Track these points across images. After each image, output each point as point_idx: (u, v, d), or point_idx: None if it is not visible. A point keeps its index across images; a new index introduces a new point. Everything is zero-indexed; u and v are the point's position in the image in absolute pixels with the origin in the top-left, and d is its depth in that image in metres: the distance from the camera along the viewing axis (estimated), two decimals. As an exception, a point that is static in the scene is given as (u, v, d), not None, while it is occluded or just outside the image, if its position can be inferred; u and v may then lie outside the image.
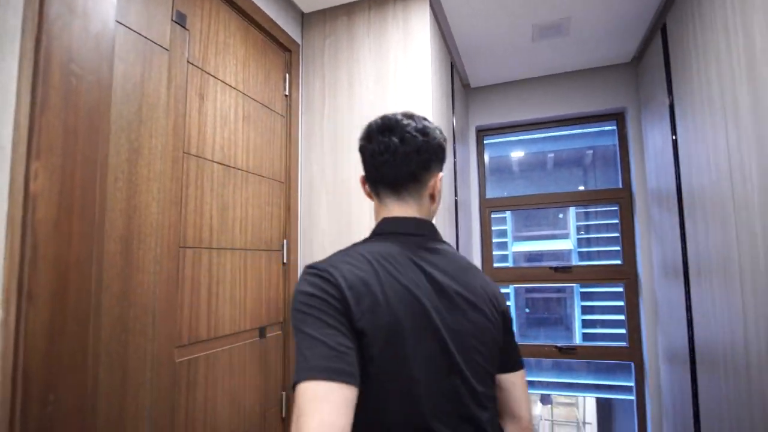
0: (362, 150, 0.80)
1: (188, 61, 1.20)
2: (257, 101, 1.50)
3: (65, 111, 0.71)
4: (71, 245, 0.70)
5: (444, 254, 0.76)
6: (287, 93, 1.69)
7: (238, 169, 1.38)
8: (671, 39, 1.79)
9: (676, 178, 1.85)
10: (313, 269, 0.67)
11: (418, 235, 0.76)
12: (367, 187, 0.83)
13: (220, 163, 1.30)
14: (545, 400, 7.32)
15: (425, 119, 0.79)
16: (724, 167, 1.40)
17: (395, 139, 0.74)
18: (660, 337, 2.21)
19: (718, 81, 1.40)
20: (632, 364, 2.37)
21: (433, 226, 0.80)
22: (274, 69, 1.62)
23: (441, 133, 0.80)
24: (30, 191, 0.65)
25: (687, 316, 1.82)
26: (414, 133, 0.74)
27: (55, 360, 0.67)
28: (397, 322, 0.64)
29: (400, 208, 0.77)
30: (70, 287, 0.69)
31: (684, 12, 1.64)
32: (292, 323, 0.64)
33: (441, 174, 0.80)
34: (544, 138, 3.17)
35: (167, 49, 1.12)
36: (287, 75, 1.69)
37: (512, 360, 0.80)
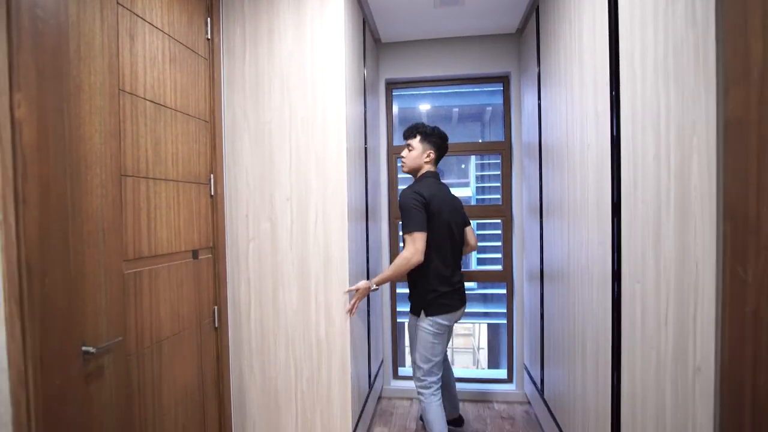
0: (440, 145, 2.07)
1: (117, 2, 1.28)
2: (182, 44, 1.60)
3: (35, 50, 0.83)
4: (49, 162, 0.86)
5: (444, 185, 2.07)
6: (209, 37, 1.78)
7: (168, 107, 1.51)
8: (542, 18, 2.20)
9: (539, 134, 2.33)
10: (415, 191, 1.90)
11: (437, 177, 2.04)
12: (431, 158, 2.05)
13: (152, 101, 1.42)
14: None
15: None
16: (563, 128, 1.86)
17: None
18: (525, 262, 2.81)
19: (564, 60, 1.82)
20: (506, 284, 2.98)
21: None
22: (196, 13, 1.70)
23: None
24: (15, 118, 0.79)
25: (540, 244, 2.39)
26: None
27: (46, 251, 0.85)
28: (440, 210, 1.92)
29: (434, 168, 2.06)
30: (51, 195, 0.86)
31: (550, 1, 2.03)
32: (406, 207, 1.88)
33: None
34: (450, 93, 3.56)
35: (99, -11, 1.19)
36: (209, 19, 1.78)
37: (466, 223, 2.11)
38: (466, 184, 5.33)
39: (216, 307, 1.80)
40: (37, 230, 0.83)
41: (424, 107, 3.82)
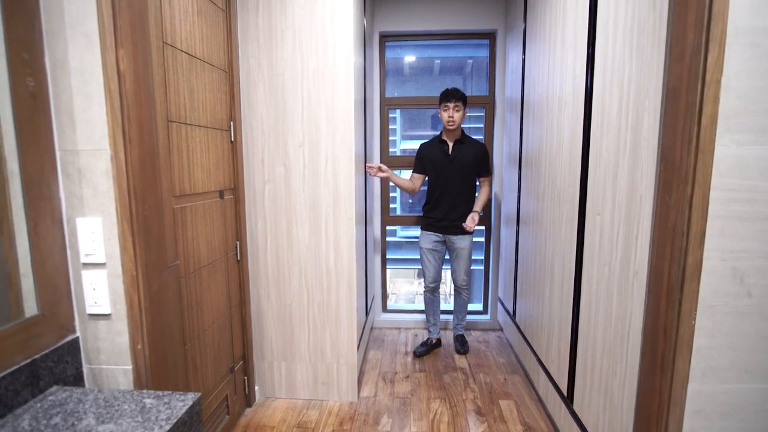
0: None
1: (157, -42, 1.39)
2: (205, -4, 1.72)
3: (129, 11, 0.99)
4: (142, 107, 1.04)
5: None
6: (225, -11, 1.89)
7: (197, 58, 1.66)
8: (530, -21, 2.37)
9: (522, 89, 2.57)
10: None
11: None
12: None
13: (186, 53, 1.57)
14: (420, 274, 8.80)
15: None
16: (545, 84, 2.11)
17: None
18: (502, 208, 3.14)
19: (550, 20, 2.03)
20: (484, 228, 3.32)
21: None
22: (214, -35, 1.80)
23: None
24: (120, 70, 0.96)
25: (517, 192, 2.70)
26: None
27: (144, 181, 1.05)
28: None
29: None
30: (144, 134, 1.05)
31: (539, -39, 2.20)
32: (488, 157, 2.69)
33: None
34: (432, 46, 3.70)
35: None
36: (224, -29, 1.88)
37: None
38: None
39: (238, 242, 2.04)
40: (138, 163, 1.03)
41: (409, 59, 3.95)
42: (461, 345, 2.89)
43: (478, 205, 2.69)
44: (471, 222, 2.62)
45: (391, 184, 3.13)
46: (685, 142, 0.92)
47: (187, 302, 1.60)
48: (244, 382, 2.13)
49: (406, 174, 2.98)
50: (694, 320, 0.96)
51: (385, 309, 3.39)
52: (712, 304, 0.95)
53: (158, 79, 1.38)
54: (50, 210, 0.99)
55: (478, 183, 2.77)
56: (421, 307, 3.38)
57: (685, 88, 0.92)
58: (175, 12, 1.49)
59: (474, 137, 2.77)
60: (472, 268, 2.86)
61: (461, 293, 2.85)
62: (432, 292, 2.88)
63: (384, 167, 2.57)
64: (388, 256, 3.39)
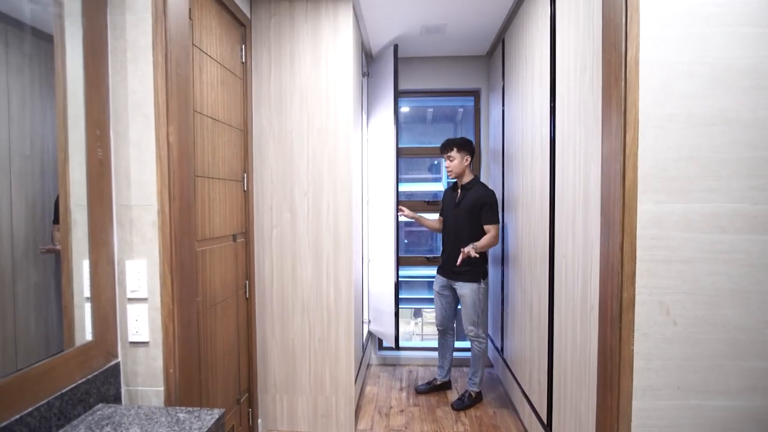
0: (471, 150, 2.67)
1: (193, 44, 1.69)
2: (227, 69, 2.02)
3: (178, 94, 1.26)
4: (183, 169, 1.29)
5: None
6: (243, 60, 2.20)
7: (219, 121, 1.93)
8: (506, 46, 2.73)
9: (502, 141, 2.88)
10: (494, 194, 2.65)
11: None
12: (469, 161, 2.67)
13: (210, 117, 1.85)
14: (417, 314, 8.88)
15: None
16: (519, 135, 2.40)
17: None
18: (490, 250, 3.37)
19: (522, 80, 2.36)
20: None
21: None
22: (235, 42, 2.12)
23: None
24: (169, 142, 1.22)
25: (502, 234, 2.94)
26: None
27: (183, 229, 1.28)
28: None
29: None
30: (183, 191, 1.29)
31: (513, 34, 2.56)
32: (495, 204, 2.62)
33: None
34: (426, 96, 4.05)
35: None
36: (243, 46, 2.20)
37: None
38: (438, 180, 5.91)
39: (247, 281, 2.25)
40: (178, 214, 1.27)
41: (404, 109, 4.32)
42: (459, 400, 2.73)
43: (479, 243, 2.53)
44: (461, 254, 2.50)
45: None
46: (615, 200, 1.17)
47: (204, 335, 1.79)
48: (249, 413, 2.27)
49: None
50: (632, 345, 1.17)
51: (380, 347, 3.54)
52: (646, 331, 1.17)
53: (189, 140, 1.65)
54: (106, 253, 1.21)
55: None
56: (418, 344, 3.54)
57: (613, 157, 1.18)
58: (204, 85, 1.78)
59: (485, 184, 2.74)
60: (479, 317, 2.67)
61: (471, 343, 2.73)
62: (442, 335, 2.91)
63: (407, 211, 2.79)
64: (383, 294, 3.57)
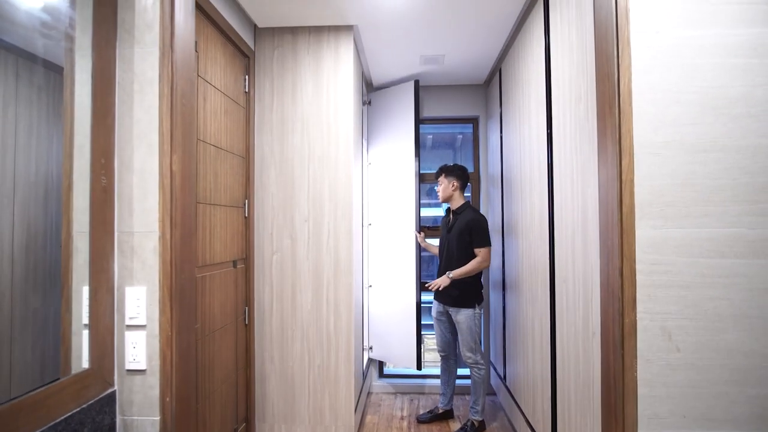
0: (460, 175, 2.70)
1: (198, 75, 1.74)
2: (231, 98, 2.07)
3: (182, 124, 1.29)
4: (186, 196, 1.31)
5: None
6: (246, 90, 2.26)
7: (221, 148, 1.97)
8: (503, 76, 2.80)
9: (501, 166, 2.91)
10: (484, 217, 2.67)
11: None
12: (457, 187, 2.70)
13: (213, 145, 1.88)
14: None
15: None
16: (517, 161, 2.43)
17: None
18: (490, 274, 3.36)
19: (519, 108, 2.40)
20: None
21: None
22: (239, 72, 2.18)
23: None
24: (173, 170, 1.24)
25: (502, 259, 2.94)
26: None
27: (184, 255, 1.29)
28: None
29: (462, 193, 2.73)
30: (185, 217, 1.31)
31: (509, 64, 2.63)
32: (484, 228, 2.59)
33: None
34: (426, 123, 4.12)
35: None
36: (246, 76, 2.26)
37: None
38: (438, 205, 5.96)
39: (246, 308, 2.23)
40: (179, 241, 1.28)
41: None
42: (462, 430, 2.67)
43: (455, 270, 2.58)
44: (434, 283, 2.61)
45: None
46: (613, 225, 1.18)
47: (202, 362, 1.76)
48: (245, 444, 2.21)
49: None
50: (636, 372, 1.16)
51: (381, 374, 3.48)
52: (649, 357, 1.16)
53: (192, 168, 1.67)
54: (106, 280, 1.21)
55: None
56: (418, 372, 3.47)
57: (610, 183, 1.20)
58: (208, 114, 1.82)
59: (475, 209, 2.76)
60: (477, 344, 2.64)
61: (471, 370, 2.67)
62: (444, 361, 2.87)
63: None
64: (384, 321, 3.54)
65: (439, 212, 5.53)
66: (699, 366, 1.15)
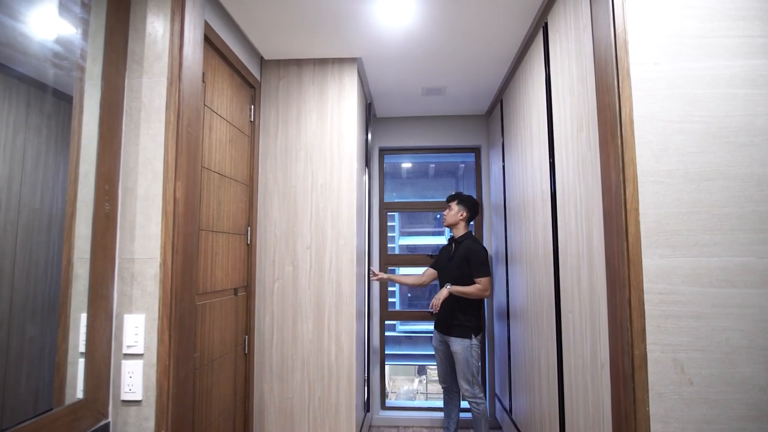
0: (471, 208, 2.71)
1: (205, 104, 1.78)
2: (236, 127, 2.10)
3: (187, 152, 1.30)
4: (189, 224, 1.30)
5: None
6: (252, 119, 2.30)
7: (225, 176, 1.98)
8: (505, 107, 2.84)
9: (504, 195, 2.91)
10: (483, 247, 2.67)
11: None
12: (465, 217, 2.70)
13: (217, 173, 1.89)
14: (421, 371, 8.57)
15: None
16: (521, 190, 2.43)
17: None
18: (494, 304, 3.31)
19: (521, 137, 2.43)
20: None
21: None
22: (245, 102, 2.22)
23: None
24: (176, 197, 1.24)
25: (506, 288, 2.90)
26: None
27: (185, 283, 1.27)
28: None
29: (467, 224, 2.73)
30: (186, 244, 1.30)
31: (511, 95, 2.68)
32: (483, 256, 2.58)
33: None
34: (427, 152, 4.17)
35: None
36: (252, 106, 2.30)
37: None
38: (441, 233, 5.94)
39: (246, 336, 2.19)
40: (180, 268, 1.27)
41: (406, 165, 4.44)
42: None
43: (455, 286, 2.58)
44: (435, 300, 2.60)
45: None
46: (619, 255, 1.16)
47: (199, 393, 1.72)
48: (242, 482, 2.12)
49: (405, 270, 3.19)
50: (648, 407, 1.11)
51: (383, 406, 3.37)
52: (661, 391, 1.12)
53: (196, 195, 1.68)
54: (105, 307, 1.19)
55: None
56: (421, 404, 3.37)
57: (614, 212, 1.19)
58: (213, 142, 1.85)
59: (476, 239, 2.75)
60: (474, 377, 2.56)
61: (469, 404, 2.57)
62: (447, 393, 2.80)
63: (379, 274, 2.82)
64: (386, 352, 3.46)
65: (440, 241, 5.52)
66: (714, 401, 1.10)
